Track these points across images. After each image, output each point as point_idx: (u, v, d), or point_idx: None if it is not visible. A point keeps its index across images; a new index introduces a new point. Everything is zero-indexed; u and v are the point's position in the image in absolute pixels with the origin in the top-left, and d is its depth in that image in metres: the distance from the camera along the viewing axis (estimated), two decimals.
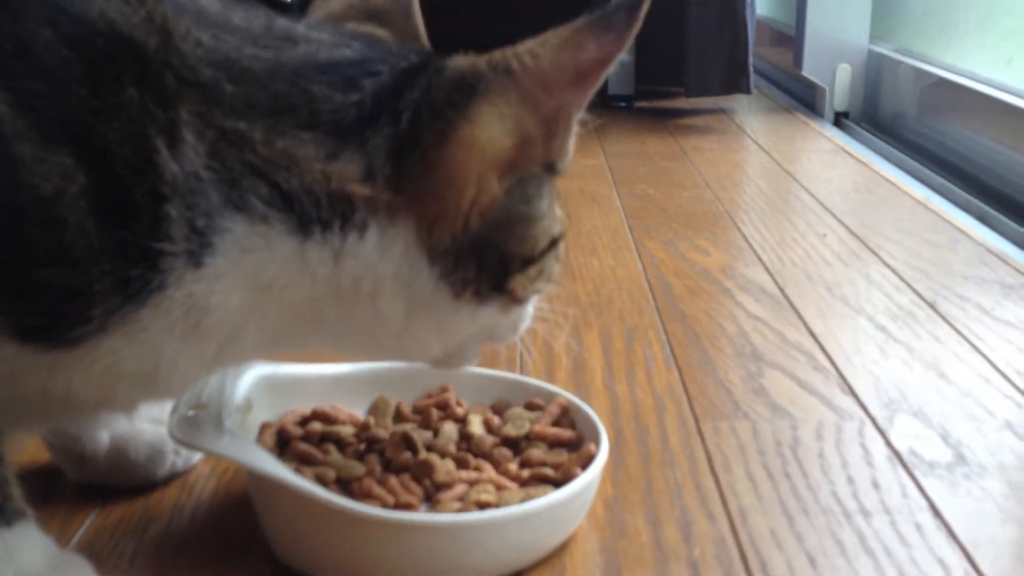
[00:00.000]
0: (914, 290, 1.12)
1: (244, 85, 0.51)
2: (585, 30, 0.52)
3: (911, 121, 1.96)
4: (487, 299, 0.57)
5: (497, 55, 0.54)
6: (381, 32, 0.62)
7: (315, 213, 0.52)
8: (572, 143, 0.58)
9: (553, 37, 0.53)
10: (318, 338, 0.59)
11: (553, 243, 0.59)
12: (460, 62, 0.55)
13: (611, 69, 0.54)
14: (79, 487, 0.72)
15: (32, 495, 0.56)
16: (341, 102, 0.53)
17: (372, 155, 0.53)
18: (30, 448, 0.74)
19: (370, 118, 0.53)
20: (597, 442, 0.69)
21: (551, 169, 0.57)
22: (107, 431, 0.71)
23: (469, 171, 0.54)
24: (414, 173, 0.53)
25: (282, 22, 0.56)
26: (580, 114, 0.56)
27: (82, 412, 0.59)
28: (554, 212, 0.59)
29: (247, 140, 0.50)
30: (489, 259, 0.56)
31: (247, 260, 0.51)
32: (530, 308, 0.63)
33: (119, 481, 0.71)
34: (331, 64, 0.54)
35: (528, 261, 0.58)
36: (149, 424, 0.72)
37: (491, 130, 0.53)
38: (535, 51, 0.53)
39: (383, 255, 0.54)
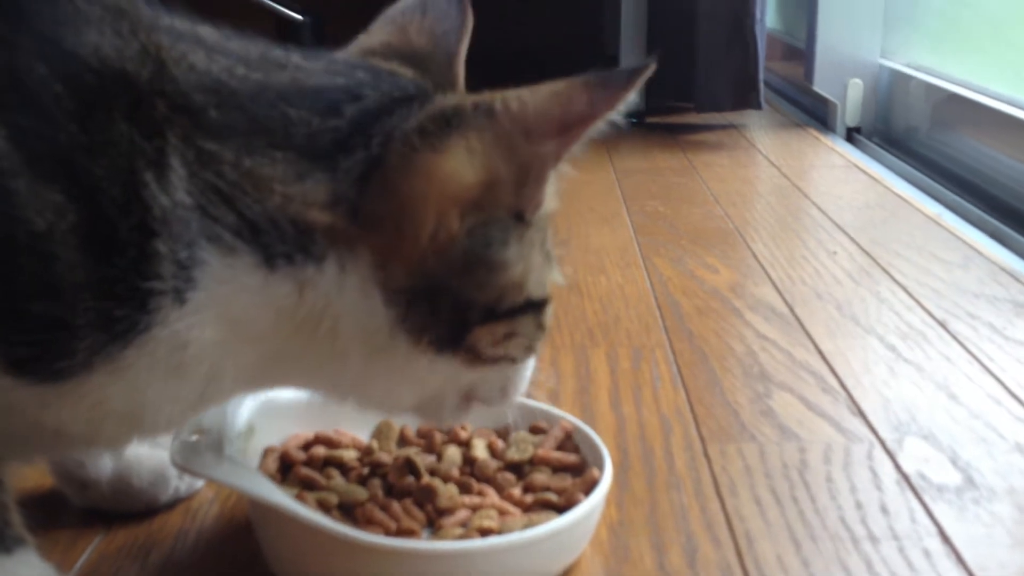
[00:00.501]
0: (925, 309, 1.11)
1: (228, 108, 0.51)
2: (580, 85, 0.52)
3: (923, 136, 1.95)
4: (445, 351, 0.55)
5: (486, 96, 0.53)
6: (413, 73, 0.60)
7: (278, 244, 0.51)
8: (545, 195, 0.56)
9: (547, 86, 0.52)
10: (294, 378, 0.58)
11: (530, 305, 0.57)
12: (450, 98, 0.54)
13: (596, 128, 0.53)
14: (83, 512, 0.71)
15: (36, 520, 0.56)
16: (318, 126, 0.53)
17: (341, 180, 0.52)
18: (34, 474, 0.74)
19: (345, 143, 0.52)
20: (601, 466, 0.68)
21: (520, 218, 0.55)
22: (110, 457, 0.71)
23: (428, 202, 0.52)
24: (373, 197, 0.52)
25: (277, 51, 0.56)
26: (557, 167, 0.55)
27: (75, 447, 0.59)
28: (534, 272, 0.57)
29: (218, 161, 0.50)
30: (444, 304, 0.54)
31: (221, 292, 0.50)
32: (524, 374, 0.62)
33: (122, 506, 0.71)
34: (317, 89, 0.54)
35: (490, 314, 0.56)
36: (152, 449, 0.72)
37: (457, 163, 0.52)
38: (523, 97, 0.52)
39: (341, 289, 0.52)
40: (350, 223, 0.52)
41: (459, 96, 0.55)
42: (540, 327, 0.59)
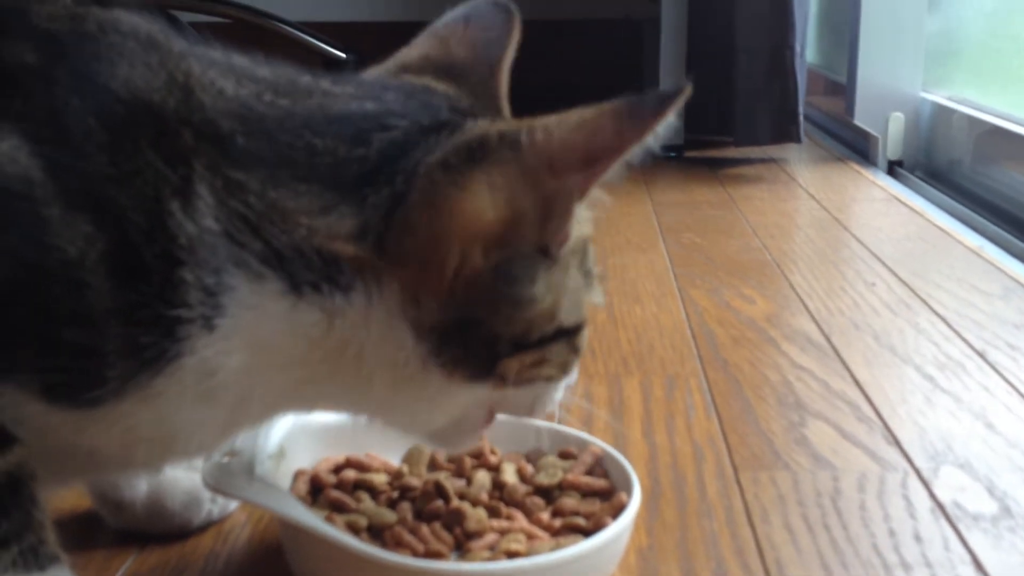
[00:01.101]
0: (964, 339, 1.10)
1: (255, 136, 0.52)
2: (608, 114, 0.50)
3: (966, 169, 1.93)
4: (475, 380, 0.55)
5: (512, 125, 0.52)
6: (448, 88, 0.60)
7: (305, 273, 0.51)
8: (572, 229, 0.54)
9: (574, 116, 0.50)
10: (321, 402, 0.58)
11: (562, 332, 0.56)
12: (478, 127, 0.54)
13: (629, 155, 0.51)
14: (117, 533, 0.72)
15: (72, 540, 0.57)
16: (344, 156, 0.52)
17: (369, 213, 0.51)
18: (71, 495, 0.75)
19: (372, 175, 0.52)
20: (629, 491, 0.68)
21: (545, 252, 0.54)
22: (145, 479, 0.72)
23: (451, 238, 0.51)
24: (398, 232, 0.51)
25: (307, 77, 0.56)
26: (584, 198, 0.53)
27: (111, 469, 0.60)
28: (566, 299, 0.56)
29: (245, 190, 0.50)
30: (474, 337, 0.53)
31: (248, 318, 0.50)
32: (555, 391, 0.61)
33: (156, 528, 0.72)
34: (344, 116, 0.54)
35: (520, 346, 0.55)
36: (186, 472, 0.73)
37: (480, 200, 0.51)
38: (549, 127, 0.50)
39: (368, 320, 0.52)
40: (377, 256, 0.52)
41: (488, 124, 0.54)
42: (573, 350, 0.58)
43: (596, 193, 0.55)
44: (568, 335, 0.57)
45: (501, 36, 0.63)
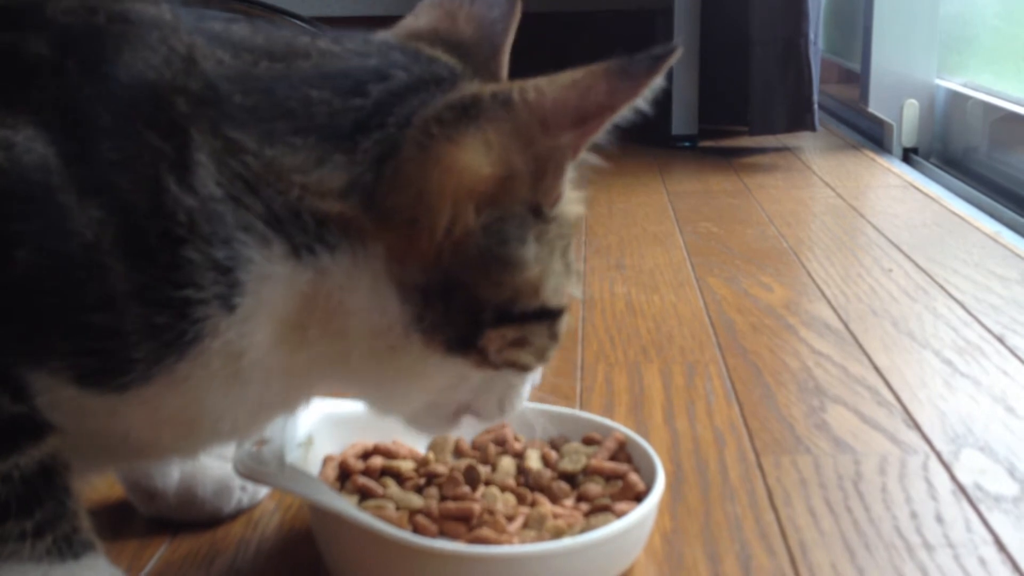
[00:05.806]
0: (982, 324, 1.11)
1: (252, 94, 0.52)
2: (600, 73, 0.51)
3: (982, 156, 1.93)
4: (455, 352, 0.55)
5: (504, 85, 0.53)
6: (454, 61, 0.59)
7: (300, 235, 0.51)
8: (564, 188, 0.55)
9: (566, 76, 0.51)
10: (332, 377, 0.57)
11: (546, 312, 0.56)
12: (471, 86, 0.54)
13: (619, 116, 0.52)
14: (150, 521, 0.74)
15: (105, 529, 0.58)
16: (340, 106, 0.53)
17: (359, 162, 0.52)
18: (104, 484, 0.77)
19: (366, 123, 0.52)
20: (653, 476, 0.69)
21: (537, 212, 0.55)
22: (176, 468, 0.73)
23: (444, 195, 0.52)
24: (389, 186, 0.52)
25: (304, 39, 0.56)
26: (576, 159, 0.54)
27: (144, 454, 0.61)
28: (551, 278, 0.56)
29: (243, 150, 0.51)
30: (458, 303, 0.53)
31: (267, 292, 0.51)
32: (522, 387, 0.61)
33: (187, 516, 0.73)
34: (342, 72, 0.54)
35: (504, 316, 0.55)
36: (217, 461, 0.74)
37: (474, 156, 0.51)
38: (541, 86, 0.51)
39: (352, 282, 0.53)
40: (364, 213, 0.52)
41: (482, 85, 0.55)
42: (553, 336, 0.59)
43: (589, 158, 0.55)
44: (550, 317, 0.57)
45: (505, 16, 0.63)
